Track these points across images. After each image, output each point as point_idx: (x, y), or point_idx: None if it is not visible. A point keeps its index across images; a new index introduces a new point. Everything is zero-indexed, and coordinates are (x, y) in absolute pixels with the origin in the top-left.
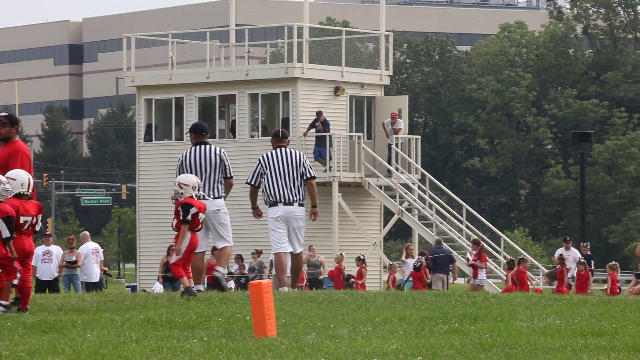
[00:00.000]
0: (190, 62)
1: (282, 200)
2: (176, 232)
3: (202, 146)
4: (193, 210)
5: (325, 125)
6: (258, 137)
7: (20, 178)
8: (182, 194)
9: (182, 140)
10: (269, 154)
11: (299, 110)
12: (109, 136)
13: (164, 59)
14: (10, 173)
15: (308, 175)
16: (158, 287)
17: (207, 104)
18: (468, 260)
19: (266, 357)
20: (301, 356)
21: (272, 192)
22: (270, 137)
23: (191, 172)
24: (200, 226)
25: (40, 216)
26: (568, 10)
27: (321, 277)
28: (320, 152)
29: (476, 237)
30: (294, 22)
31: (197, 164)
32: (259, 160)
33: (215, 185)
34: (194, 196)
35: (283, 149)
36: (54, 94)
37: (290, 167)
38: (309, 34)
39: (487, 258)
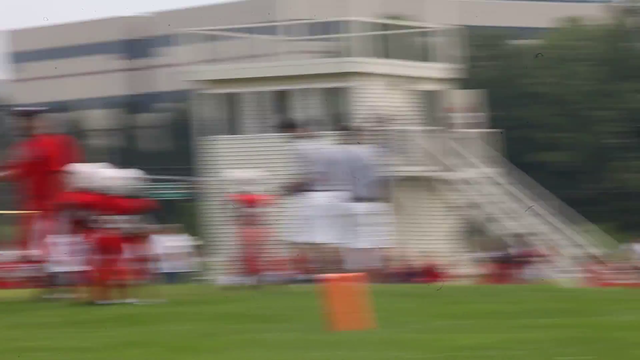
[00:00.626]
0: (246, 57)
1: (330, 191)
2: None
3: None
4: None
5: (384, 121)
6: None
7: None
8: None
9: (245, 134)
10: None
11: (355, 105)
12: (169, 131)
13: (222, 54)
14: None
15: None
16: (231, 280)
17: (263, 98)
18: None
19: (343, 350)
20: (383, 349)
21: (326, 182)
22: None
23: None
24: None
25: None
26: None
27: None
28: (382, 147)
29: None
30: (348, 16)
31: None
32: (301, 152)
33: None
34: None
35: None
36: (115, 89)
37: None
38: (363, 29)
39: (561, 252)
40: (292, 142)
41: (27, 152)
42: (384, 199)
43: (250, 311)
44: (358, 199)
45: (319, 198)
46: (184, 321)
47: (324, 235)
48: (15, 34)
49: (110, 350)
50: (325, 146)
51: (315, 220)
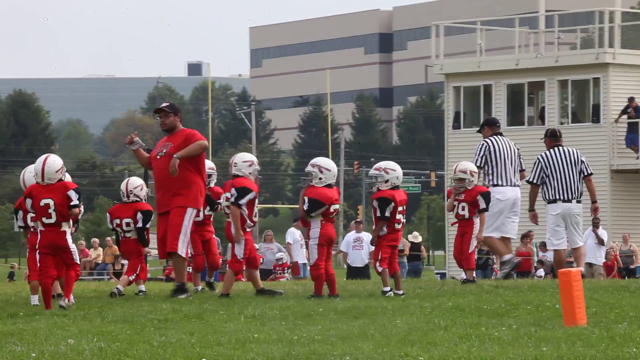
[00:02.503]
0: (498, 49)
1: (562, 198)
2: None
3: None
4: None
5: (638, 112)
6: (568, 123)
7: (334, 169)
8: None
9: None
10: (548, 153)
11: (610, 96)
12: (418, 124)
13: (472, 47)
14: (322, 162)
15: (587, 172)
16: None
17: (515, 91)
18: None
19: (576, 346)
20: (612, 346)
21: (552, 191)
22: (545, 137)
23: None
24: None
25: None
26: None
27: (633, 266)
28: (632, 139)
29: None
30: (605, 7)
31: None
32: (539, 159)
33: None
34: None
35: (560, 147)
36: (365, 83)
37: (570, 165)
38: (620, 19)
39: None
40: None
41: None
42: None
43: (484, 305)
44: (563, 200)
45: (556, 207)
46: (416, 314)
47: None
48: (254, 31)
49: (345, 340)
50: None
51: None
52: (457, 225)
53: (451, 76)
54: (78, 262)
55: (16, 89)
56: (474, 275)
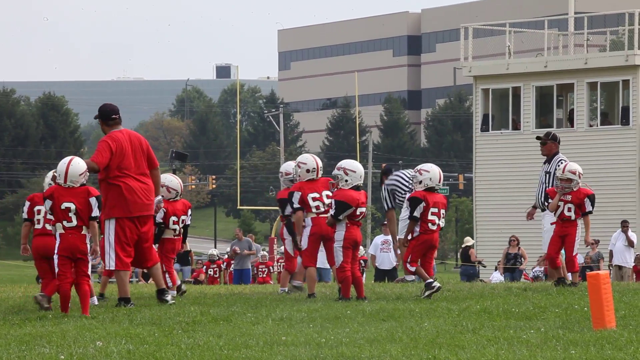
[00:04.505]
0: (527, 51)
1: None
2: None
3: None
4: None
5: None
6: (597, 126)
7: (359, 171)
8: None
9: (519, 130)
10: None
11: None
12: (447, 126)
13: (501, 49)
14: (347, 164)
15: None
16: (496, 277)
17: (544, 93)
18: None
19: (605, 349)
20: None
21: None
22: (555, 141)
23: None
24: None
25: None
26: None
27: None
28: None
29: None
30: (634, 8)
31: None
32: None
33: None
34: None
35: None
36: (393, 85)
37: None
38: None
39: None
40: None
41: None
42: None
43: (513, 308)
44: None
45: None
46: (444, 317)
47: None
48: (282, 34)
49: (372, 343)
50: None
51: None
52: (554, 225)
53: (480, 78)
54: (89, 274)
55: (45, 91)
56: (570, 277)
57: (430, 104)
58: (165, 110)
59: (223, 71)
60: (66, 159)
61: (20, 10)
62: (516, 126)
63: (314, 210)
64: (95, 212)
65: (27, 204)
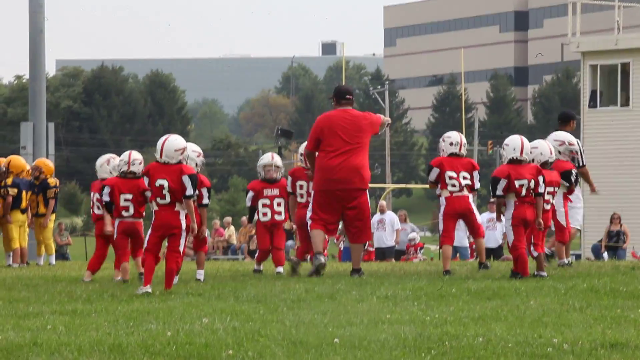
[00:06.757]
0: (636, 26)
1: None
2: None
3: None
4: None
5: None
6: None
7: (512, 143)
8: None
9: (628, 106)
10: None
11: None
12: (554, 103)
13: (610, 24)
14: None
15: None
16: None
17: None
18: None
19: None
20: None
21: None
22: (573, 119)
23: None
24: None
25: None
26: None
27: None
28: None
29: None
30: None
31: None
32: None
33: None
34: None
35: None
36: (499, 61)
37: None
38: None
39: None
40: None
41: None
42: None
43: (620, 287)
44: None
45: None
46: (550, 296)
47: None
48: (388, 10)
49: (477, 321)
50: None
51: None
52: None
53: (588, 54)
54: (180, 250)
55: (153, 69)
56: None
57: (538, 80)
58: (271, 88)
59: (329, 48)
60: (165, 136)
61: None
62: (625, 103)
63: (449, 187)
64: (189, 191)
65: (107, 188)
